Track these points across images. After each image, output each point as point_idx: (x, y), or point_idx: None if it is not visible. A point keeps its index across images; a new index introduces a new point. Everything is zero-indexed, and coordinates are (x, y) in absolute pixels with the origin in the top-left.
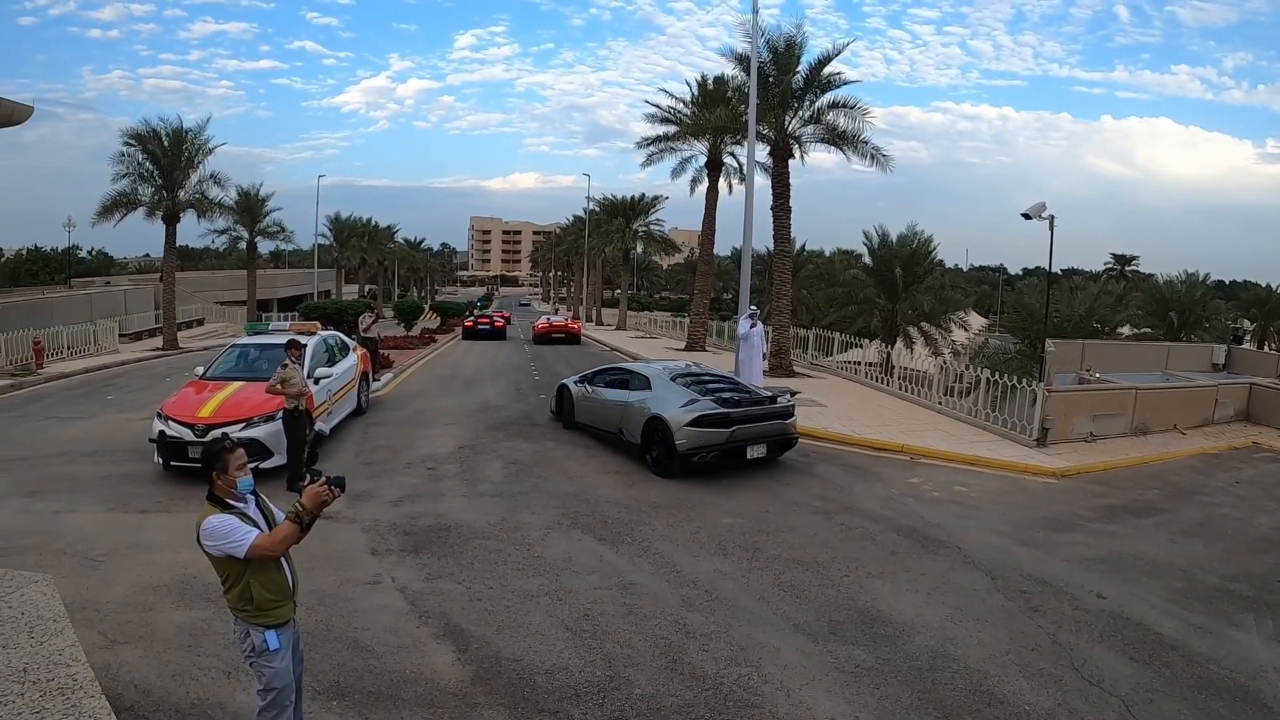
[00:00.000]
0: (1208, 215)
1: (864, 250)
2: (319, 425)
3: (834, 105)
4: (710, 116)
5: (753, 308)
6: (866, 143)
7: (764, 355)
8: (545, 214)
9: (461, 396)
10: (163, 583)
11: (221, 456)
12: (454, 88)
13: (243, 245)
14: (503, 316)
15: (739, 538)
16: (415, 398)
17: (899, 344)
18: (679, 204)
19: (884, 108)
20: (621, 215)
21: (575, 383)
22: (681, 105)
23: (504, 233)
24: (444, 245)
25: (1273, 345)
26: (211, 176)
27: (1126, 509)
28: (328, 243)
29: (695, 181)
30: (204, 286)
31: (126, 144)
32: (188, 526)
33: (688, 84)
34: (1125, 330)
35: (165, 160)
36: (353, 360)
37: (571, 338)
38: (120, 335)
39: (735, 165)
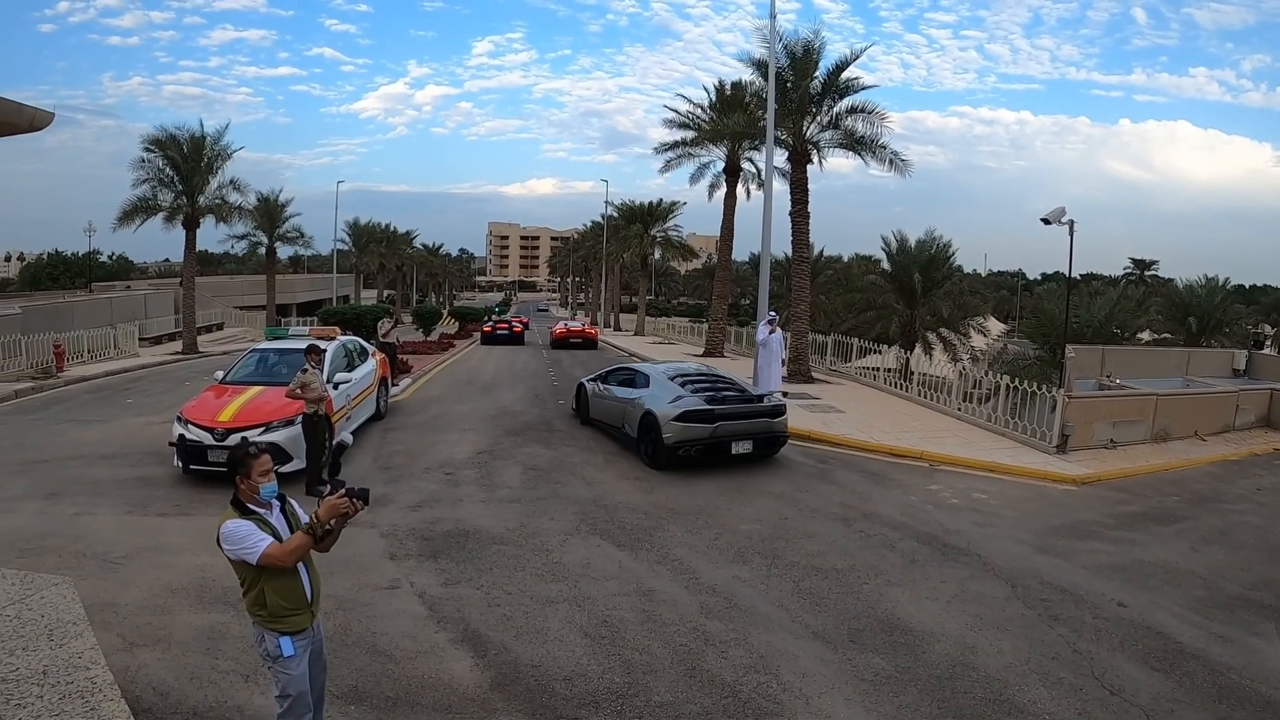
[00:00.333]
0: (1227, 219)
1: (882, 255)
2: (342, 436)
3: (852, 110)
4: (728, 122)
5: (771, 313)
6: (885, 148)
7: (782, 361)
8: (563, 220)
9: (480, 402)
10: (181, 586)
11: (245, 462)
12: (472, 94)
13: (262, 250)
14: (521, 322)
15: (758, 544)
16: (433, 403)
17: (917, 350)
18: (697, 209)
19: (901, 112)
20: (639, 221)
21: (590, 381)
22: (699, 111)
23: (522, 238)
24: (462, 251)
25: None
26: (231, 182)
27: (1147, 516)
28: (346, 248)
29: (713, 187)
30: (223, 291)
31: (146, 150)
32: (207, 530)
33: (705, 89)
34: (1145, 336)
35: (185, 166)
36: (371, 365)
37: (589, 343)
38: (140, 339)
39: (753, 171)
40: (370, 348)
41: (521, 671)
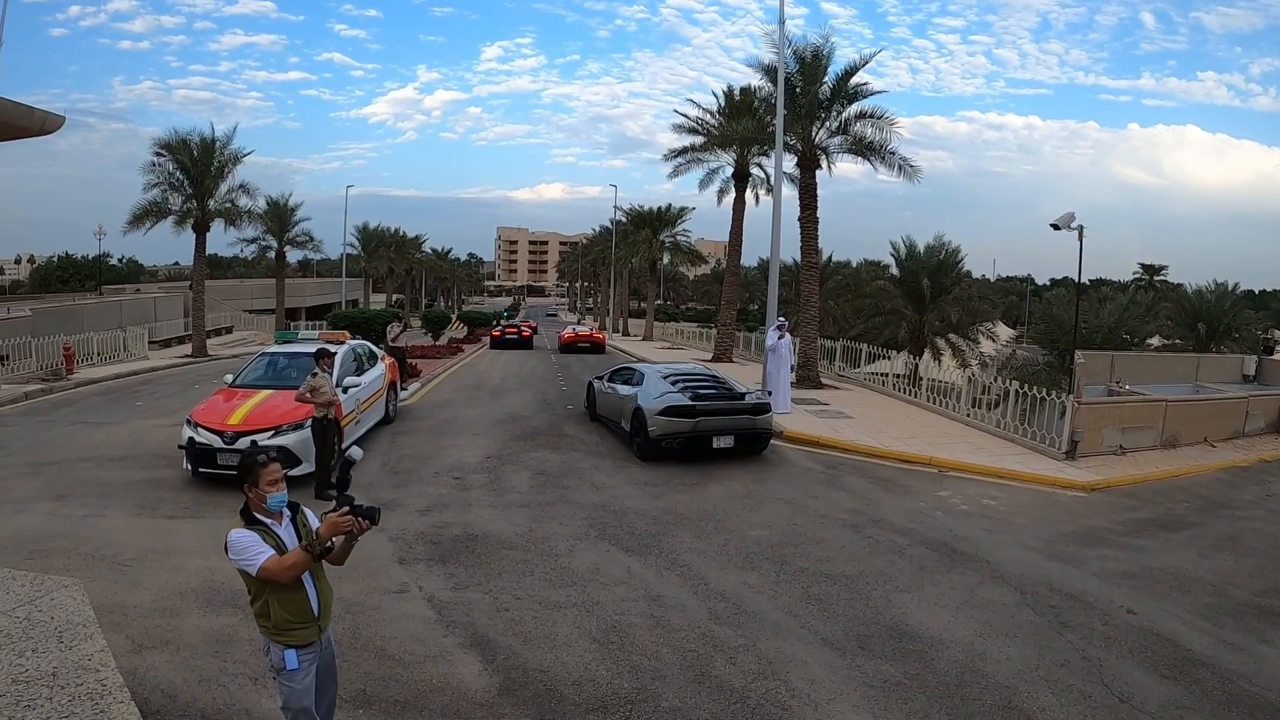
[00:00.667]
0: (1237, 223)
1: (891, 261)
2: (350, 451)
3: (861, 116)
4: (737, 127)
5: (780, 319)
6: (893, 153)
7: (791, 367)
8: (572, 224)
9: (488, 406)
10: (190, 588)
11: (253, 470)
12: (481, 99)
13: (271, 254)
14: (530, 326)
15: (767, 550)
16: (442, 407)
17: (926, 355)
18: (705, 215)
19: (910, 117)
20: (648, 226)
21: (597, 380)
22: (708, 116)
23: (530, 243)
24: (471, 255)
25: None
26: (241, 186)
27: (1156, 523)
28: (356, 252)
29: (722, 192)
30: (233, 295)
31: (157, 154)
32: (216, 532)
33: (714, 95)
34: (1154, 341)
35: (195, 170)
36: (381, 369)
37: (596, 347)
38: (150, 342)
39: (762, 176)
40: (379, 352)
41: (530, 676)
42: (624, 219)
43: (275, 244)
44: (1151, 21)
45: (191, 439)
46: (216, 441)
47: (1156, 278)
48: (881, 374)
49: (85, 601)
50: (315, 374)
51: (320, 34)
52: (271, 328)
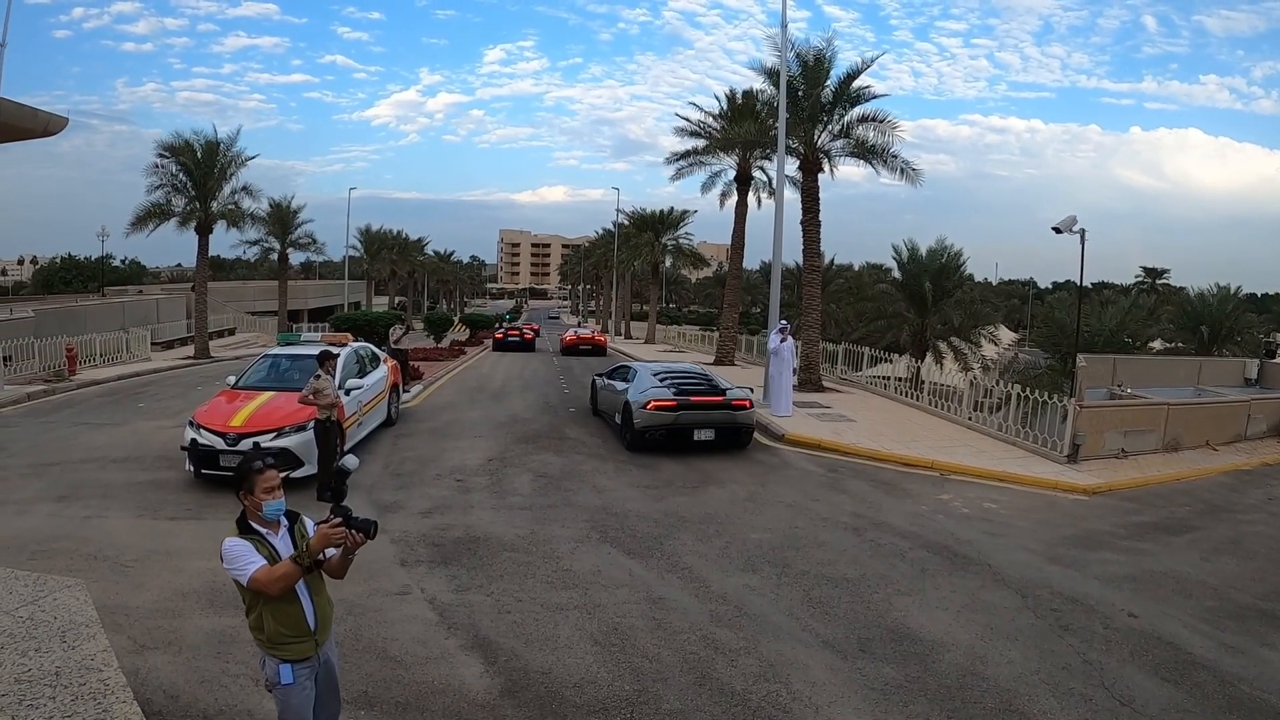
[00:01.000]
0: (1239, 226)
1: (893, 264)
2: (344, 461)
3: (863, 119)
4: (739, 130)
5: (783, 322)
6: (896, 156)
7: (794, 370)
8: (574, 227)
9: (491, 409)
10: (192, 589)
11: (248, 477)
12: (483, 102)
13: (274, 256)
14: (532, 329)
15: (768, 553)
16: (444, 409)
17: (928, 359)
18: (708, 218)
19: (912, 121)
20: (650, 229)
21: (598, 377)
22: (710, 119)
23: (533, 246)
24: (473, 258)
25: None
26: (244, 188)
27: (1158, 526)
28: (358, 254)
29: (724, 195)
30: (235, 296)
31: (160, 155)
32: (218, 534)
33: (716, 98)
34: (1156, 345)
35: (198, 172)
36: (383, 372)
37: (598, 350)
38: (152, 344)
39: (764, 179)
40: (382, 354)
41: (531, 678)
42: (626, 222)
43: (278, 246)
44: (1153, 25)
45: (194, 440)
46: (219, 443)
47: (1159, 281)
48: (883, 377)
49: (88, 602)
50: (319, 376)
51: (323, 36)
52: (274, 330)
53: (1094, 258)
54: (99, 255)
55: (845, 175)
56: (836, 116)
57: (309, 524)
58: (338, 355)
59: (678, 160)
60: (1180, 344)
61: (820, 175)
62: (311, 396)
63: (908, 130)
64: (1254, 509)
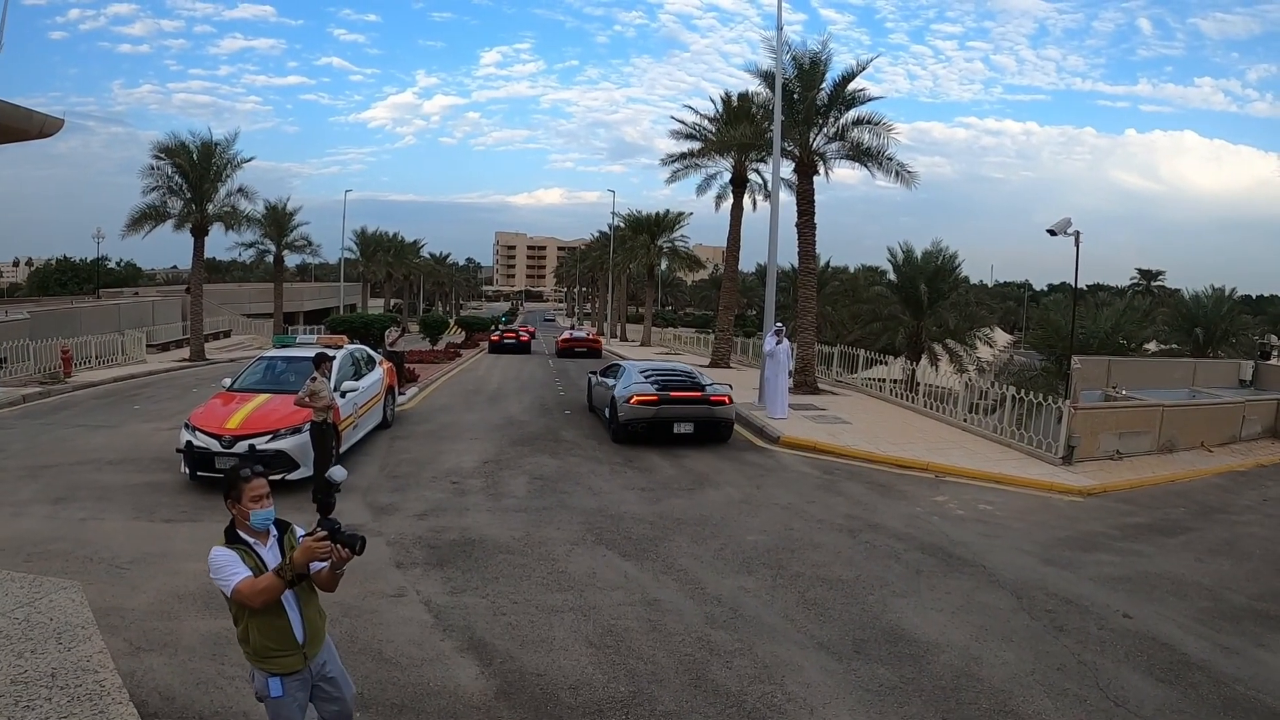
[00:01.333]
0: (1234, 229)
1: (888, 267)
2: (332, 472)
3: (859, 122)
4: (735, 133)
5: (778, 324)
6: (891, 159)
7: (789, 372)
8: (570, 229)
9: (486, 411)
10: (188, 591)
11: (236, 485)
12: (480, 104)
13: (270, 258)
14: (528, 331)
15: (763, 555)
16: (440, 412)
17: (924, 361)
18: (703, 220)
19: (908, 123)
20: (646, 231)
21: (593, 374)
22: (706, 122)
23: (529, 248)
24: (469, 260)
25: None
26: (240, 190)
27: (1153, 528)
28: (354, 257)
29: (720, 198)
30: (231, 299)
31: (156, 157)
32: (214, 536)
33: (712, 100)
34: (1151, 346)
35: (194, 174)
36: (378, 374)
37: (593, 351)
38: (148, 346)
39: (760, 182)
40: (377, 356)
41: (527, 680)
42: (622, 224)
43: (273, 248)
44: (1148, 28)
45: (190, 442)
46: (215, 445)
47: (1154, 283)
48: (879, 379)
49: (84, 603)
50: (314, 378)
51: (319, 38)
52: (269, 332)
53: (1089, 260)
54: (94, 257)
55: (841, 178)
56: (832, 119)
57: (300, 534)
58: (333, 358)
59: (673, 163)
60: (1175, 346)
61: (815, 178)
62: (308, 399)
63: (903, 133)
64: (1249, 510)
